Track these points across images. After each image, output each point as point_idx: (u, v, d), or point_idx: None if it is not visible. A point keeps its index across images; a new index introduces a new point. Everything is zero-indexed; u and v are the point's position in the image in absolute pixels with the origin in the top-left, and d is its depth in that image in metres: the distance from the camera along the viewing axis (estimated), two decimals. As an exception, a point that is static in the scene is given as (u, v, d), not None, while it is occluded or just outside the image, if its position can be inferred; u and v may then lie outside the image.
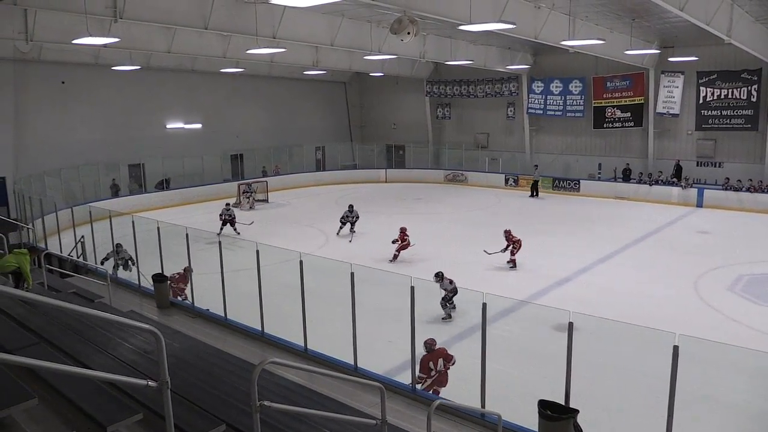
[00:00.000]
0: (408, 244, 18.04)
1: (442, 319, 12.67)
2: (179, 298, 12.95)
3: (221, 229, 21.11)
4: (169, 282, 12.72)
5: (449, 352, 8.98)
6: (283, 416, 5.24)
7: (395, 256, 17.75)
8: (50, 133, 25.97)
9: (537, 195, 29.74)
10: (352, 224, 21.26)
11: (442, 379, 8.87)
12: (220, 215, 21.86)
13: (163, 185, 29.25)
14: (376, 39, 21.29)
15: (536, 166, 30.97)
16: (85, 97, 27.14)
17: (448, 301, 12.81)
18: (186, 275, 12.99)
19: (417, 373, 8.67)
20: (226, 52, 22.24)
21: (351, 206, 21.47)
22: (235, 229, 21.59)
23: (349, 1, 13.23)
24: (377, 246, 19.00)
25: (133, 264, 14.37)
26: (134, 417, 4.13)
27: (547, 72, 31.23)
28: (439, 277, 12.76)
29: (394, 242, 17.91)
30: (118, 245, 15.19)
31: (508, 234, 17.16)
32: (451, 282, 12.78)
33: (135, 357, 6.26)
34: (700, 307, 13.86)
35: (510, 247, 17.04)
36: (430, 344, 9.01)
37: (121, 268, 15.22)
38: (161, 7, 15.20)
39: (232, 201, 26.99)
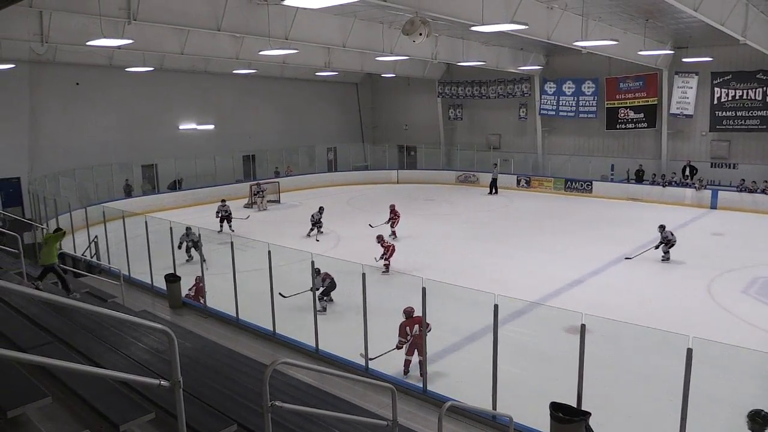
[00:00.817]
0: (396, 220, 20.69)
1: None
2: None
3: (220, 226, 21.59)
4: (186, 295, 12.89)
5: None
6: (294, 416, 5.25)
7: (386, 267, 16.41)
8: (64, 134, 26.21)
9: (496, 192, 30.64)
10: (319, 227, 21.59)
11: (418, 342, 9.45)
12: (217, 213, 22.22)
13: (176, 186, 29.44)
14: (388, 40, 21.28)
15: (495, 164, 32.08)
16: (99, 98, 27.37)
17: (325, 295, 13.46)
18: (201, 288, 12.97)
19: (398, 337, 9.82)
20: (239, 54, 22.32)
21: (321, 208, 22.04)
22: (230, 227, 21.87)
23: (362, 2, 13.20)
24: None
25: (201, 246, 15.25)
26: (146, 416, 4.15)
27: (560, 73, 31.10)
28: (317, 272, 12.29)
29: (379, 241, 16.90)
30: (188, 228, 17.11)
31: (392, 208, 20.85)
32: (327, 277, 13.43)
33: (147, 356, 6.30)
34: (714, 309, 13.73)
35: (391, 221, 20.36)
36: (408, 312, 9.89)
37: (192, 249, 17.15)
38: (174, 9, 15.27)
39: (243, 201, 27.14)
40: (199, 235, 15.27)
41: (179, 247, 15.62)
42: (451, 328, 11.70)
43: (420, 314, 8.82)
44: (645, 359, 10.21)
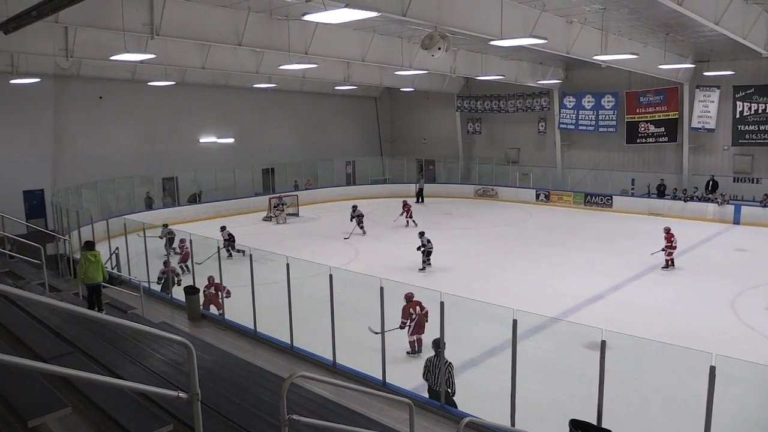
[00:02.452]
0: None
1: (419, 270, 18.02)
2: (216, 311, 13.16)
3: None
4: (203, 291, 13.05)
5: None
6: (311, 430, 5.23)
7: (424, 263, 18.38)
8: (87, 147, 26.60)
9: (422, 201, 31.98)
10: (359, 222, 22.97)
11: (420, 322, 11.19)
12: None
13: (196, 199, 29.69)
14: (407, 54, 21.38)
15: (420, 173, 34.02)
16: (122, 112, 27.80)
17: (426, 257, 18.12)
18: (217, 288, 13.12)
19: (400, 319, 11.08)
20: (259, 68, 22.56)
21: (354, 206, 23.31)
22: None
23: (381, 17, 13.28)
24: (407, 260, 18.98)
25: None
26: (165, 428, 4.16)
27: (579, 87, 30.99)
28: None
29: (419, 249, 18.48)
30: (223, 227, 19.80)
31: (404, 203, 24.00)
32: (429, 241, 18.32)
33: (166, 368, 6.33)
34: (738, 326, 13.50)
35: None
36: (408, 296, 11.40)
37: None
38: (196, 25, 15.49)
39: (263, 214, 27.27)
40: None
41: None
42: (470, 342, 11.61)
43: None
44: (667, 376, 10.04)
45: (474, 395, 9.63)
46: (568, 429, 6.60)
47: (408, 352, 11.38)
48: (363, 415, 7.26)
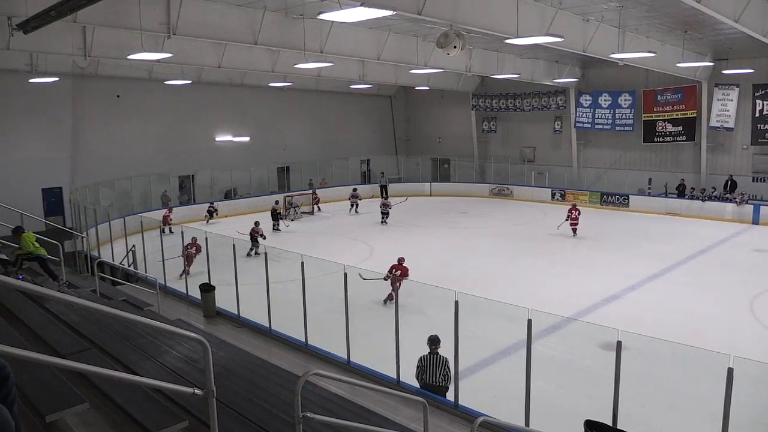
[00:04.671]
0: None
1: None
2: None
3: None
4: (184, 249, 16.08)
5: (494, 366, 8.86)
6: (325, 428, 5.24)
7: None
8: (105, 145, 26.85)
9: (386, 197, 31.48)
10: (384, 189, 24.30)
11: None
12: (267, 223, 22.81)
13: (232, 194, 30.50)
14: (422, 53, 21.35)
15: (383, 173, 34.56)
16: (139, 111, 28.03)
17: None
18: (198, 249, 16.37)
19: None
20: (275, 67, 22.64)
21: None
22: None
23: (396, 15, 13.27)
24: (421, 259, 18.96)
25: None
26: (180, 424, 4.19)
27: (596, 85, 30.77)
28: None
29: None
30: (257, 222, 20.70)
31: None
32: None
33: (181, 365, 6.37)
34: (757, 328, 13.33)
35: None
36: (400, 260, 14.74)
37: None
38: (213, 24, 15.59)
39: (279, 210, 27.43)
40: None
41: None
42: (484, 342, 11.59)
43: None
44: (683, 378, 9.95)
45: (488, 395, 9.61)
46: (582, 429, 6.56)
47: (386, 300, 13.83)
48: (377, 413, 7.27)
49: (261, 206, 28.30)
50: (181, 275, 15.97)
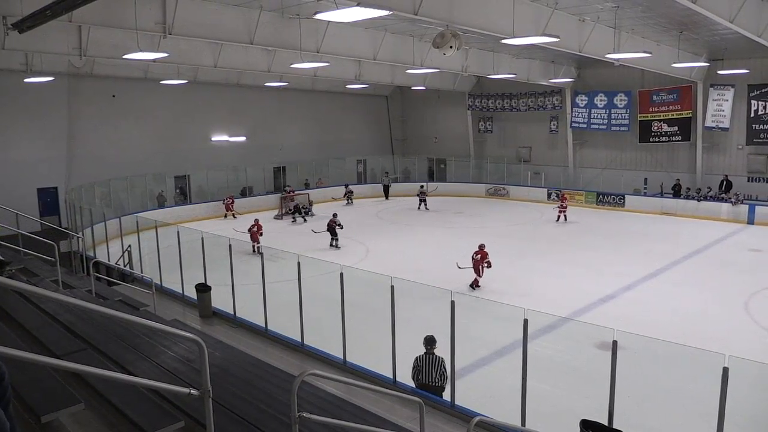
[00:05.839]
0: None
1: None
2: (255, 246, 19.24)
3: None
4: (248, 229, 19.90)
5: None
6: (321, 428, 5.24)
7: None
8: (100, 145, 26.80)
9: (387, 198, 33.73)
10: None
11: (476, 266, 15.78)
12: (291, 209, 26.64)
13: (247, 192, 30.97)
14: (419, 53, 21.35)
15: (386, 173, 35.37)
16: (135, 111, 27.98)
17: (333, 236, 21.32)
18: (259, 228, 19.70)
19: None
20: (271, 67, 22.61)
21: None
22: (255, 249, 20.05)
23: (392, 15, 13.26)
24: (417, 260, 18.98)
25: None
26: (176, 424, 4.19)
27: (592, 85, 30.83)
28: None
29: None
30: (335, 214, 21.98)
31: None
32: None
33: (177, 365, 6.36)
34: (752, 327, 13.37)
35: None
36: (480, 245, 16.17)
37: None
38: (209, 23, 15.56)
39: (275, 212, 27.47)
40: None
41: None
42: (480, 342, 11.60)
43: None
44: (679, 377, 9.98)
45: (484, 395, 9.62)
46: (578, 429, 6.57)
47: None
48: (373, 413, 7.27)
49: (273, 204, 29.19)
50: (254, 251, 19.01)
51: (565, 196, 27.41)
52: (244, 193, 31.14)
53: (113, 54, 17.43)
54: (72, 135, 25.68)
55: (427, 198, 30.31)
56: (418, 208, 29.83)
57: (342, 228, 21.57)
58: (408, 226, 25.00)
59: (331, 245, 21.27)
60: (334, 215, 21.91)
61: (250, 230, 20.69)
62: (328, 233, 21.62)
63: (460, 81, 33.31)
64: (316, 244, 21.44)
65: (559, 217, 25.85)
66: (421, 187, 31.39)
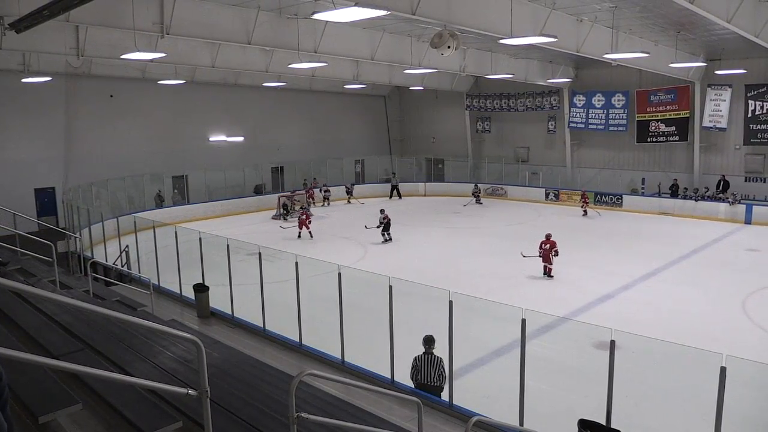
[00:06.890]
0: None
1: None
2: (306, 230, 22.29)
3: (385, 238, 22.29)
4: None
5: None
6: (320, 428, 5.24)
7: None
8: (98, 145, 26.77)
9: (399, 197, 34.14)
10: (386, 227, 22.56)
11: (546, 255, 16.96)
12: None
13: (261, 190, 31.36)
14: (417, 53, 21.36)
15: (394, 173, 35.93)
16: (132, 110, 27.95)
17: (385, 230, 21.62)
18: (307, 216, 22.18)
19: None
20: (269, 67, 22.60)
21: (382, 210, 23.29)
22: (385, 239, 22.24)
23: (390, 15, 13.25)
24: (415, 259, 18.98)
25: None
26: (174, 425, 4.17)
27: (589, 85, 30.85)
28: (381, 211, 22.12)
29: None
30: (382, 210, 22.64)
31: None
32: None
33: (176, 365, 6.35)
34: (749, 327, 13.40)
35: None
36: (547, 235, 17.24)
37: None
38: (206, 23, 15.54)
39: (273, 212, 27.45)
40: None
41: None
42: (478, 342, 11.61)
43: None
44: (677, 377, 9.99)
45: (482, 394, 9.62)
46: (576, 429, 6.58)
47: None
48: (371, 413, 7.27)
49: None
50: (307, 235, 22.38)
51: (586, 195, 28.51)
52: (258, 191, 31.83)
53: (111, 54, 17.41)
54: (69, 135, 25.63)
55: (479, 196, 32.25)
56: (475, 203, 31.81)
57: (381, 226, 22.26)
58: (406, 226, 24.98)
59: (383, 242, 22.00)
60: (382, 211, 22.63)
61: (299, 218, 23.52)
62: (379, 229, 22.29)
63: (458, 81, 33.33)
64: (313, 244, 21.46)
65: (585, 211, 27.75)
66: (475, 186, 32.73)
